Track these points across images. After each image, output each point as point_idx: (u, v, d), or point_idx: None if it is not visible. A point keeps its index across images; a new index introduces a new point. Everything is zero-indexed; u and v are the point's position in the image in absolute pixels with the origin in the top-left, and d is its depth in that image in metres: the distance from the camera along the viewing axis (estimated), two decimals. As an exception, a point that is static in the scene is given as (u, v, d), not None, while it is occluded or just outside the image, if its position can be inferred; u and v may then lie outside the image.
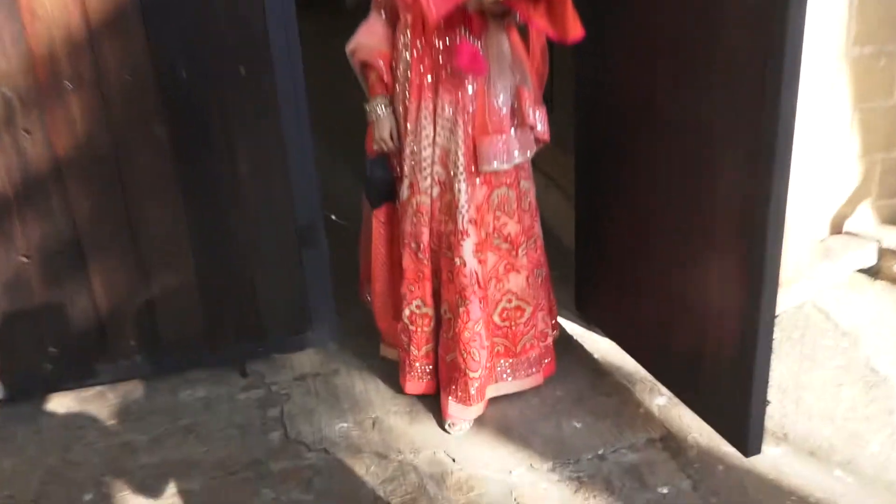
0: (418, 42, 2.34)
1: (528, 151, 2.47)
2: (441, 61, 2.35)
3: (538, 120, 2.44)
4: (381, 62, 2.39)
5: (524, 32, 2.39)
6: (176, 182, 2.58)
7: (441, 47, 2.33)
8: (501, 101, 2.37)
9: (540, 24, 2.14)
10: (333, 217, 3.39)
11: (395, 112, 2.46)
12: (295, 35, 2.49)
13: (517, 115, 2.42)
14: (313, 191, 2.71)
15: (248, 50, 2.48)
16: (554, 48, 2.49)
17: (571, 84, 2.81)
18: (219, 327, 2.82)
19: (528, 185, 2.55)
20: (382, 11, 2.42)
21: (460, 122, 2.36)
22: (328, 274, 2.84)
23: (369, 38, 2.40)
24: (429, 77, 2.36)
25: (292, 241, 2.74)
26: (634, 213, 2.65)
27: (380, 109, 2.43)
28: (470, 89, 2.35)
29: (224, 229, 2.68)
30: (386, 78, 2.41)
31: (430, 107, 2.38)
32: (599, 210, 2.85)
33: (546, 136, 2.48)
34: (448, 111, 2.37)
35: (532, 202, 2.59)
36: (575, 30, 2.11)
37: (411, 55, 2.35)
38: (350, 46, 2.43)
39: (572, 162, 2.94)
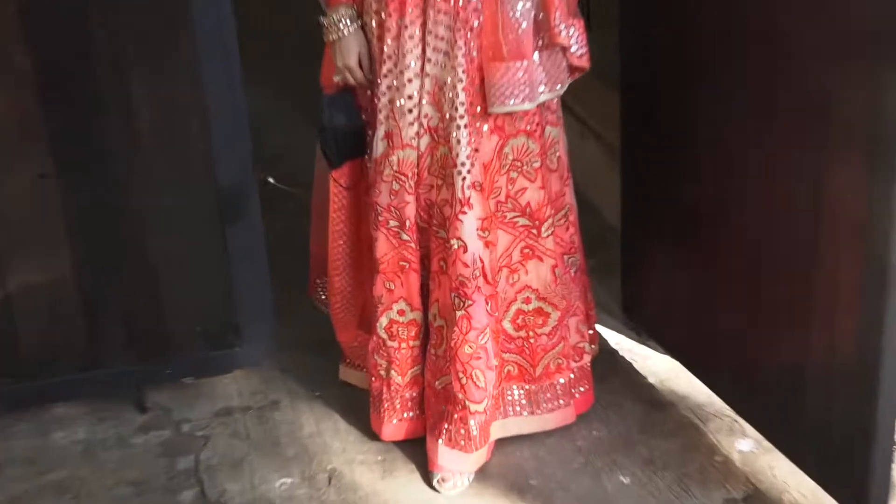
0: None
1: (559, 85, 2.53)
2: None
3: (573, 38, 2.49)
4: None
5: None
6: (43, 136, 2.65)
7: None
8: (520, 9, 2.41)
9: None
10: (272, 181, 3.50)
11: (364, 28, 2.51)
12: None
13: (543, 30, 2.46)
14: (243, 143, 2.76)
15: None
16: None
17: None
18: (106, 342, 2.87)
19: (556, 133, 2.61)
20: None
21: (460, 41, 2.41)
22: (264, 263, 2.89)
23: None
24: None
25: (213, 217, 2.81)
26: (710, 177, 2.68)
27: (343, 24, 2.48)
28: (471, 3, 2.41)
29: (114, 203, 2.75)
30: None
31: (417, 20, 2.43)
32: (658, 170, 2.90)
33: (584, 62, 2.53)
34: (442, 26, 2.42)
35: (562, 158, 2.66)
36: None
37: None
38: None
39: (618, 100, 2.97)
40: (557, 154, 2.63)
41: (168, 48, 2.68)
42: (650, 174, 2.97)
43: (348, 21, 2.47)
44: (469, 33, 2.40)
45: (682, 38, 2.70)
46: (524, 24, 2.41)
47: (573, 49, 2.49)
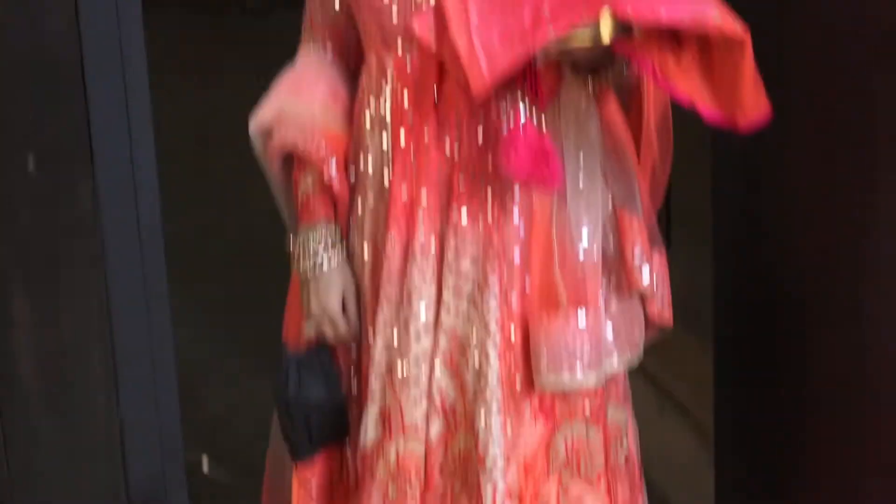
0: (411, 114, 2.15)
1: (634, 348, 2.31)
2: (461, 155, 2.15)
3: (654, 279, 2.27)
4: (327, 153, 2.21)
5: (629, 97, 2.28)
6: None
7: (465, 130, 2.15)
8: (584, 236, 2.20)
9: (684, 89, 2.00)
10: (207, 466, 3.30)
11: (351, 256, 2.28)
12: (142, 79, 2.50)
13: (613, 268, 2.25)
14: (169, 414, 2.66)
15: (48, 118, 2.50)
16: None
17: (702, 195, 2.78)
18: None
19: (623, 416, 2.37)
20: (327, 42, 2.26)
21: (493, 280, 2.17)
22: None
23: (302, 100, 2.26)
24: (428, 188, 2.20)
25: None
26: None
27: (321, 251, 2.22)
28: (517, 214, 2.16)
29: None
30: (337, 188, 2.20)
31: (431, 247, 2.18)
32: (773, 463, 2.63)
33: (667, 315, 2.32)
34: (467, 257, 2.18)
35: (632, 452, 2.40)
36: (757, 105, 1.99)
37: (394, 140, 2.17)
38: (259, 118, 2.28)
39: (710, 357, 2.80)
40: (626, 446, 2.37)
41: (68, 272, 2.56)
42: (761, 470, 2.71)
43: (329, 247, 2.23)
44: (507, 269, 2.17)
45: (802, 266, 2.52)
46: (589, 258, 2.22)
47: (655, 297, 2.31)
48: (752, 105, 1.99)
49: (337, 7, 2.24)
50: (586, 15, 1.89)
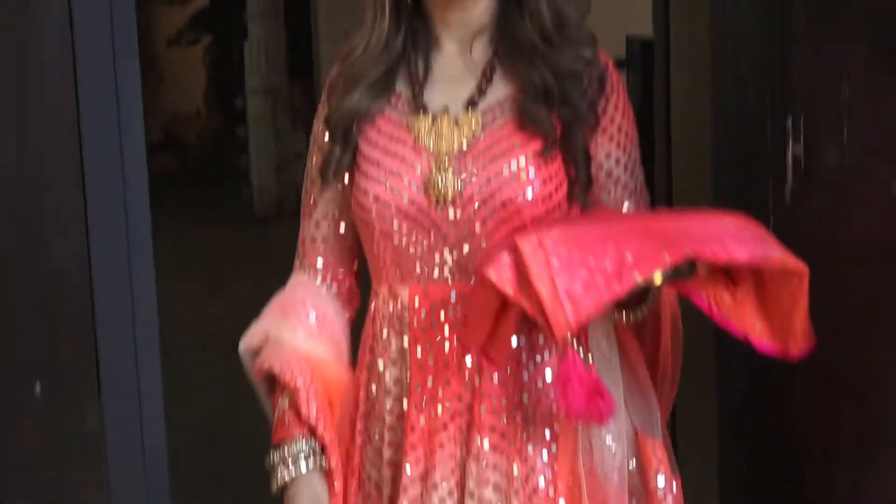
0: (429, 346, 2.06)
1: None
2: (482, 384, 2.05)
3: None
4: (304, 382, 2.11)
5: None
6: None
7: (485, 360, 2.04)
8: (611, 465, 2.10)
9: (738, 323, 2.00)
10: None
11: (362, 485, 2.12)
12: (151, 315, 2.49)
13: (637, 492, 2.13)
14: None
15: (58, 345, 2.47)
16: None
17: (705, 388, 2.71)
18: None
19: None
20: (319, 268, 2.16)
21: None
22: None
23: (288, 324, 2.17)
24: (442, 415, 2.06)
25: None
26: None
27: (295, 463, 2.08)
28: (541, 441, 2.06)
29: None
30: (306, 414, 2.09)
31: (451, 475, 2.05)
32: None
33: None
34: (489, 486, 2.04)
35: None
36: (807, 333, 1.96)
37: (412, 371, 2.07)
38: (248, 340, 2.18)
39: None
40: None
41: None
42: None
43: (304, 456, 2.08)
44: (533, 497, 2.04)
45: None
46: (616, 486, 2.12)
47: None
48: (804, 334, 1.98)
49: (342, 230, 2.17)
50: (669, 258, 1.88)
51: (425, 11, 2.02)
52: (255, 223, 8.00)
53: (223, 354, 4.75)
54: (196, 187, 9.43)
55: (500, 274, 1.89)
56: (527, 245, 1.86)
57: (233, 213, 8.24)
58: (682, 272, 1.92)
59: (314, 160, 2.15)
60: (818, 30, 1.94)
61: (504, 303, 1.92)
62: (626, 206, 2.12)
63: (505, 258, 1.89)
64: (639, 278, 1.84)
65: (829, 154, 1.97)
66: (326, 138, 2.11)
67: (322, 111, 2.13)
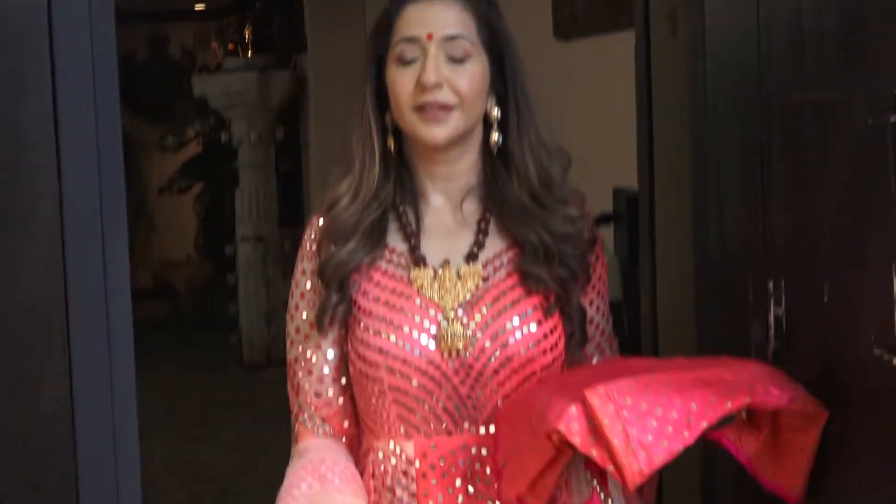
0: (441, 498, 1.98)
1: None
2: None
3: None
4: None
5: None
6: None
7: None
8: None
9: (755, 462, 2.02)
10: None
11: None
12: (134, 464, 2.28)
13: None
14: None
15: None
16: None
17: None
18: None
19: None
20: (327, 416, 2.05)
21: None
22: None
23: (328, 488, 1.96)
24: None
25: None
26: None
27: None
28: None
29: None
30: None
31: None
32: None
33: None
34: None
35: None
36: (801, 485, 1.99)
37: None
38: None
39: None
40: None
41: None
42: None
43: None
44: None
45: None
46: None
47: None
48: (805, 480, 1.97)
49: (343, 383, 2.03)
50: (732, 406, 1.87)
51: (410, 164, 2.00)
52: (243, 371, 7.89)
53: (211, 502, 4.61)
54: (185, 334, 9.30)
55: (569, 426, 1.84)
56: (595, 397, 1.82)
57: (221, 360, 8.10)
58: (730, 418, 1.90)
59: (304, 315, 2.07)
60: (796, 193, 1.92)
61: (556, 454, 1.88)
62: (602, 352, 2.10)
63: (573, 410, 1.85)
64: (706, 426, 1.82)
65: (810, 315, 1.94)
66: (316, 291, 2.03)
67: (308, 265, 2.05)
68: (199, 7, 11.77)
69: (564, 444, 1.85)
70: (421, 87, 1.90)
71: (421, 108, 1.90)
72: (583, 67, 4.50)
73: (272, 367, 7.70)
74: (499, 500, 1.94)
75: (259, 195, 8.08)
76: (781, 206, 1.94)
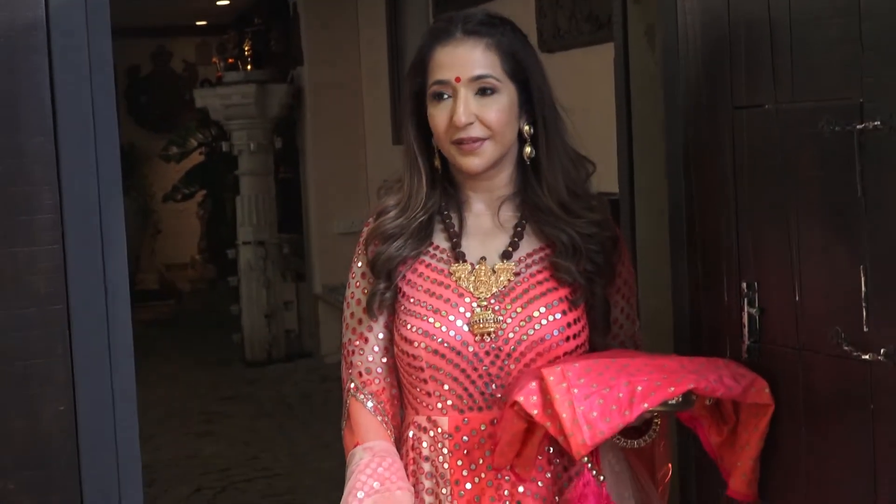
0: (466, 472, 2.09)
1: None
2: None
3: None
4: None
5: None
6: None
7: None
8: None
9: (716, 449, 2.09)
10: None
11: None
12: (135, 466, 2.22)
13: None
14: None
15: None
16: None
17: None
18: None
19: None
20: (376, 390, 2.15)
21: None
22: None
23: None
24: None
25: None
26: None
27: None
28: None
29: None
30: None
31: None
32: None
33: None
34: None
35: None
36: (752, 482, 2.02)
37: (452, 491, 2.08)
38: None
39: None
40: None
41: None
42: None
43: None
44: None
45: None
46: None
47: None
48: (754, 475, 2.00)
49: (389, 363, 2.13)
50: (675, 391, 1.93)
51: (454, 178, 2.11)
52: (246, 368, 7.85)
53: (214, 494, 4.56)
54: (189, 333, 9.28)
55: (528, 399, 1.95)
56: (552, 375, 1.93)
57: (224, 358, 8.07)
58: (682, 404, 1.96)
59: (358, 302, 2.17)
60: (767, 197, 1.92)
61: (530, 426, 1.97)
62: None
63: (532, 385, 1.95)
64: (647, 408, 1.90)
65: (782, 315, 1.93)
66: (368, 280, 2.14)
67: (361, 260, 2.17)
68: (201, 23, 11.75)
69: (528, 416, 1.94)
70: (454, 126, 2.00)
71: (458, 142, 2.01)
72: (566, 79, 4.51)
73: (273, 364, 7.67)
74: (492, 465, 2.05)
75: (259, 201, 8.06)
76: (754, 209, 1.96)
